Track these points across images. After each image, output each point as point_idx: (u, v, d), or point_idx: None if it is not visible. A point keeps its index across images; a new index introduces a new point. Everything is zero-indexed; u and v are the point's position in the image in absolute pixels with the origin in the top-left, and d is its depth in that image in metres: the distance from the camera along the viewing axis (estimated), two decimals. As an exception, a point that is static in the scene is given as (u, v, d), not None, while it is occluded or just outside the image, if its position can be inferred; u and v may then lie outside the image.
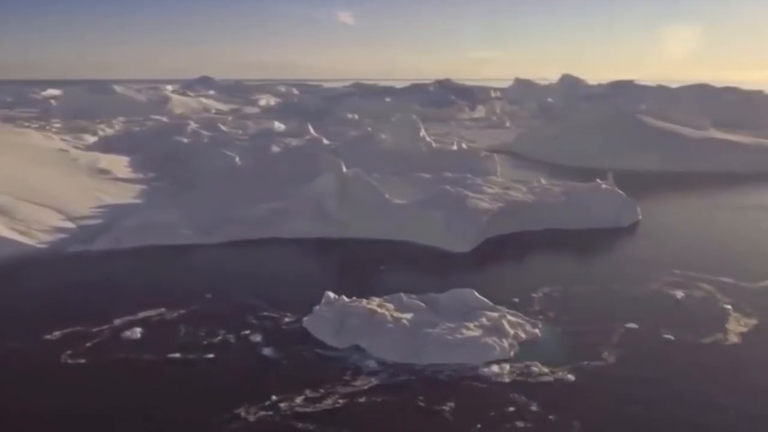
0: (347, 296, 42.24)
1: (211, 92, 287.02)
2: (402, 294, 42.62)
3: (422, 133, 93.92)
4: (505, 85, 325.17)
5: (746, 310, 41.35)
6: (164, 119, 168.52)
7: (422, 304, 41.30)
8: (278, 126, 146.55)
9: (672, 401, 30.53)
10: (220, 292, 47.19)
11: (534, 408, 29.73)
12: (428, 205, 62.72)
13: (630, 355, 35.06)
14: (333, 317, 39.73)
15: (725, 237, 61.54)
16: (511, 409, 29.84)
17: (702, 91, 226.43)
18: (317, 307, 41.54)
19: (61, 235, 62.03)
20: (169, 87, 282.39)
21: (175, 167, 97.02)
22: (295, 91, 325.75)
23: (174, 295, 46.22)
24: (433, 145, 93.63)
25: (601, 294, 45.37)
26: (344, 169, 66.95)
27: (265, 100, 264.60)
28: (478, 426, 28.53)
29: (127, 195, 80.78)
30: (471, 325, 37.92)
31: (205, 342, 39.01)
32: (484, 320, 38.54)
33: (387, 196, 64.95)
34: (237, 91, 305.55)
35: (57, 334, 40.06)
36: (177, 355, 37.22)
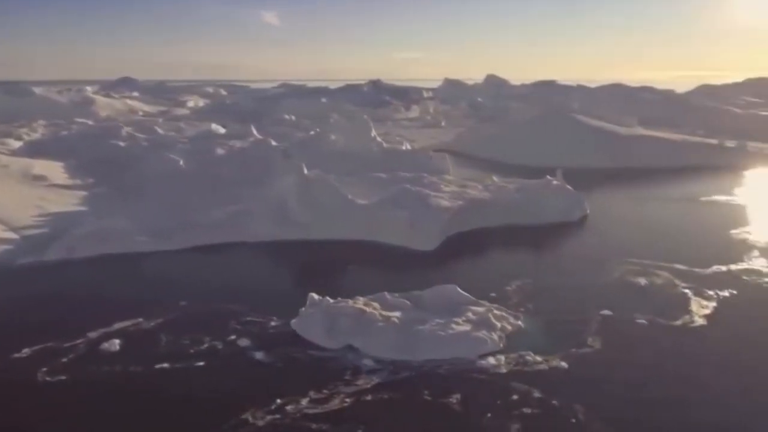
0: (326, 297, 42.31)
1: (135, 94, 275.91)
2: (386, 293, 43.15)
3: (373, 133, 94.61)
4: (433, 85, 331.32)
5: (705, 293, 44.69)
6: (90, 122, 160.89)
7: (407, 302, 42.01)
8: (216, 128, 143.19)
9: (661, 380, 32.88)
10: (195, 298, 46.03)
11: (536, 395, 31.08)
12: (391, 205, 63.49)
13: (612, 340, 37.20)
14: (322, 318, 39.72)
15: (667, 227, 65.81)
16: (515, 397, 31.08)
17: (619, 90, 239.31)
18: (303, 308, 41.43)
19: (6, 246, 58.32)
20: (89, 88, 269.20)
21: (114, 172, 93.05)
22: (223, 92, 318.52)
23: (146, 304, 44.68)
24: (384, 145, 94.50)
25: (571, 284, 47.65)
26: (305, 171, 66.63)
27: (194, 102, 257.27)
28: (488, 415, 29.56)
29: (69, 202, 76.84)
30: (459, 320, 39.00)
31: (191, 350, 38.04)
32: (470, 315, 39.72)
33: (349, 196, 65.20)
34: (162, 92, 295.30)
35: (27, 351, 37.90)
36: (165, 365, 36.12)
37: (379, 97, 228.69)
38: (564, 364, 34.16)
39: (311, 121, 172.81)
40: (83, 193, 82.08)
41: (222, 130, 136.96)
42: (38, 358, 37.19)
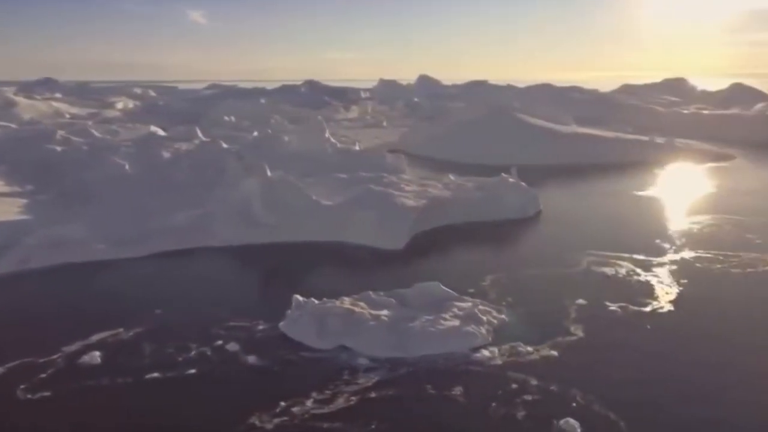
0: (311, 298, 42.40)
1: (58, 95, 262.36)
2: (371, 292, 43.66)
3: (327, 134, 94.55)
4: (367, 85, 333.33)
5: (665, 280, 47.82)
6: (13, 125, 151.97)
7: (393, 300, 42.65)
8: (155, 130, 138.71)
9: (647, 361, 35.25)
10: (170, 306, 44.93)
11: (534, 382, 32.51)
12: (357, 205, 63.92)
13: (592, 327, 39.30)
14: (311, 319, 39.80)
15: (618, 220, 69.55)
16: (514, 386, 32.39)
17: (548, 90, 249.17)
18: (290, 311, 41.34)
19: (-50, 260, 54.66)
20: (6, 89, 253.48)
21: (54, 178, 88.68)
22: (152, 93, 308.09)
23: (120, 314, 43.22)
24: (338, 146, 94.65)
25: (542, 277, 49.72)
26: (269, 173, 66.01)
27: (123, 104, 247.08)
28: (493, 404, 30.70)
29: (10, 211, 72.44)
30: (447, 315, 40.04)
31: (179, 358, 37.19)
32: (456, 310, 40.83)
33: (314, 197, 65.15)
34: (86, 93, 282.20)
35: None
36: (155, 374, 35.19)
37: (318, 97, 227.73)
38: (554, 353, 35.86)
39: (251, 122, 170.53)
40: (24, 200, 77.71)
41: (162, 133, 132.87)
42: (14, 375, 35.33)
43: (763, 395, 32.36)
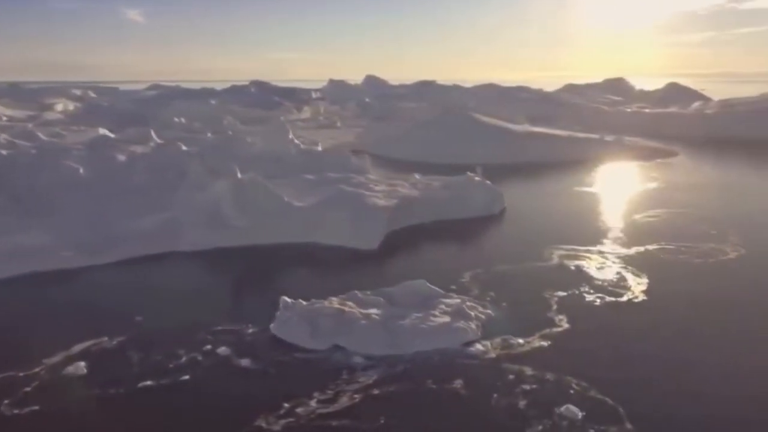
0: (299, 300, 42.41)
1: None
2: (357, 292, 44.02)
3: (290, 135, 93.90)
4: (315, 85, 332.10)
5: (635, 271, 50.18)
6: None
7: (380, 299, 43.11)
8: (105, 133, 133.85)
9: (631, 345, 37.34)
10: (150, 312, 43.90)
11: (530, 372, 33.70)
12: (329, 206, 64.01)
13: (576, 317, 40.93)
14: (302, 320, 39.81)
15: (579, 215, 72.21)
16: (511, 377, 33.48)
17: (495, 90, 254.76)
18: (279, 312, 41.22)
19: None
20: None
21: (2, 183, 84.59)
22: (92, 94, 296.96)
23: (100, 323, 41.96)
24: (301, 147, 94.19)
25: (518, 271, 51.25)
26: (239, 174, 65.25)
27: (63, 105, 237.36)
28: (495, 395, 31.65)
29: (-41, 219, 68.88)
30: (436, 312, 40.83)
31: (170, 365, 36.51)
32: (444, 307, 41.69)
33: (285, 199, 64.81)
34: (20, 95, 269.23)
35: (-22, 384, 34.47)
36: (147, 382, 34.45)
37: (268, 98, 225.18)
38: (544, 343, 37.23)
39: (202, 123, 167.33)
40: (-28, 208, 73.86)
41: (112, 135, 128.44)
42: (-4, 390, 33.96)
43: (737, 365, 35.09)
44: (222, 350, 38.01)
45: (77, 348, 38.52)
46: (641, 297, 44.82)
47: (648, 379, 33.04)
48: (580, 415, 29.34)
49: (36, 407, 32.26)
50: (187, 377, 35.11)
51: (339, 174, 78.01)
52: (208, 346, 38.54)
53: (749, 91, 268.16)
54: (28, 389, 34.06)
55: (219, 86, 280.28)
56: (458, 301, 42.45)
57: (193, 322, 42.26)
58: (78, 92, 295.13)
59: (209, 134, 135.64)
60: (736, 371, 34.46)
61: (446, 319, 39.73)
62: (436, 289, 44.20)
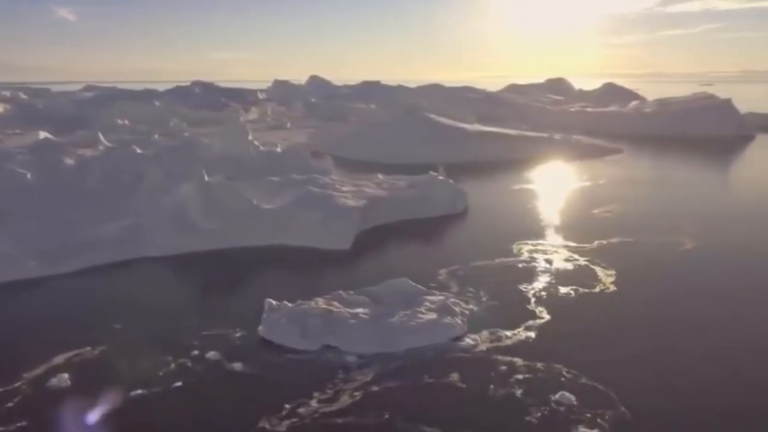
0: (284, 301, 42.45)
1: None
2: (341, 291, 44.40)
3: (250, 136, 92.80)
4: (258, 86, 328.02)
5: (602, 264, 52.56)
6: None
7: (365, 298, 43.63)
8: (47, 136, 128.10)
9: (613, 332, 39.31)
10: (128, 320, 42.85)
11: (521, 363, 35.03)
12: (300, 207, 63.91)
13: (555, 309, 42.67)
14: (291, 322, 39.87)
15: (541, 211, 74.80)
16: (504, 368, 34.69)
17: (440, 90, 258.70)
18: (264, 315, 41.10)
19: None
20: None
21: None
22: (23, 96, 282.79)
23: (76, 333, 40.73)
24: (261, 148, 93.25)
25: (491, 267, 52.75)
26: (206, 177, 64.22)
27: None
28: (491, 386, 32.76)
29: None
30: (422, 309, 41.66)
31: (160, 372, 35.85)
32: (429, 304, 42.57)
33: (255, 201, 64.28)
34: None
35: (-45, 402, 32.92)
36: (140, 391, 33.73)
37: (215, 99, 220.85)
38: (530, 334, 38.72)
39: (148, 125, 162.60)
40: None
41: (56, 139, 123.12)
42: (-25, 407, 32.51)
43: (716, 346, 37.72)
44: (211, 355, 37.58)
45: (58, 359, 37.26)
46: (612, 288, 47.10)
47: (632, 363, 35.01)
48: (575, 400, 30.80)
49: (22, 423, 31.11)
50: (179, 384, 34.59)
51: (303, 175, 77.82)
52: (196, 352, 38.01)
53: (679, 90, 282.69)
54: (11, 405, 32.75)
55: (158, 87, 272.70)
56: (442, 297, 43.45)
57: (175, 328, 41.61)
58: (8, 93, 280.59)
59: (156, 136, 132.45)
60: (716, 351, 36.93)
61: (433, 315, 40.63)
62: (419, 286, 45.09)
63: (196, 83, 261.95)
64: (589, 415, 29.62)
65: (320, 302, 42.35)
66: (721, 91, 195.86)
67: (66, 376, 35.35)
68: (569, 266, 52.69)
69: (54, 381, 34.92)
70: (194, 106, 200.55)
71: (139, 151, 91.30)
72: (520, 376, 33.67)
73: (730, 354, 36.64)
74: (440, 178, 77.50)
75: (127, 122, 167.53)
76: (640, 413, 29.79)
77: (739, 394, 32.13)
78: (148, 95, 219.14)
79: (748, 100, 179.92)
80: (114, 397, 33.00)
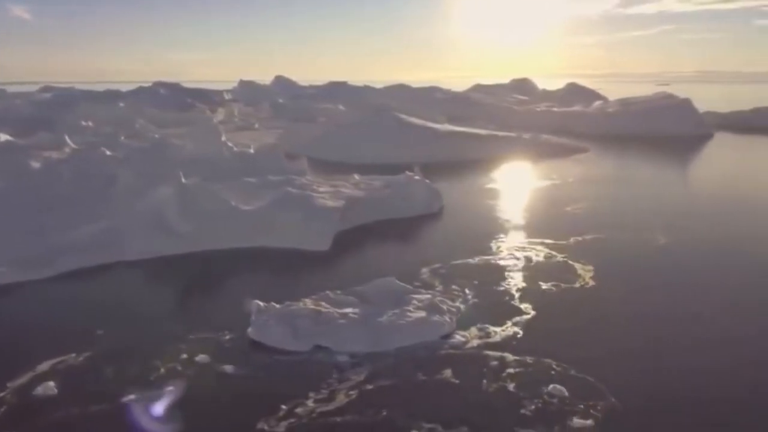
0: (271, 303, 42.38)
1: None
2: (328, 292, 44.56)
3: (223, 137, 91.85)
4: (222, 86, 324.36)
5: (579, 260, 53.92)
6: None
7: (353, 298, 43.88)
8: (6, 138, 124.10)
9: (596, 325, 40.37)
10: (110, 326, 42.07)
11: (511, 358, 35.83)
12: (279, 209, 63.69)
13: (539, 305, 43.66)
14: (280, 323, 39.83)
15: (514, 209, 76.14)
16: (495, 363, 35.45)
17: (407, 90, 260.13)
18: (252, 317, 40.98)
19: None
20: None
21: None
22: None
23: (58, 340, 39.86)
24: (234, 149, 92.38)
25: (473, 264, 53.62)
26: (183, 179, 63.42)
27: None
28: (484, 381, 33.46)
29: None
30: (410, 308, 42.12)
31: (151, 377, 35.42)
32: (417, 303, 43.06)
33: (233, 203, 63.79)
34: None
35: (-61, 413, 31.95)
36: (132, 396, 33.30)
37: (180, 99, 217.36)
38: (517, 330, 39.58)
39: (114, 127, 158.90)
40: None
41: (18, 141, 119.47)
42: (-40, 419, 31.64)
43: (700, 337, 39.17)
44: (202, 358, 37.29)
45: (42, 367, 36.43)
46: (592, 282, 48.44)
47: (618, 355, 36.17)
48: (566, 392, 31.70)
49: (12, 432, 30.45)
50: (170, 388, 34.20)
51: (279, 176, 77.52)
52: (185, 356, 37.65)
53: (638, 90, 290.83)
54: (-5, 415, 32.00)
55: (118, 87, 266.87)
56: (429, 296, 44.02)
57: (160, 332, 41.16)
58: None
59: (123, 138, 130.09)
60: (699, 342, 38.28)
61: (422, 314, 41.13)
62: (405, 285, 45.57)
63: (159, 84, 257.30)
64: (581, 407, 30.52)
65: (308, 303, 42.43)
66: (677, 91, 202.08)
67: (52, 384, 34.59)
68: (548, 262, 53.92)
69: (40, 390, 34.11)
70: (160, 107, 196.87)
71: (108, 153, 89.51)
72: (511, 371, 34.45)
73: (713, 344, 38.04)
74: (416, 178, 78.15)
75: (91, 124, 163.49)
76: (630, 403, 30.85)
77: (723, 382, 33.48)
78: (112, 96, 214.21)
79: (704, 100, 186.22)
80: (105, 404, 32.54)
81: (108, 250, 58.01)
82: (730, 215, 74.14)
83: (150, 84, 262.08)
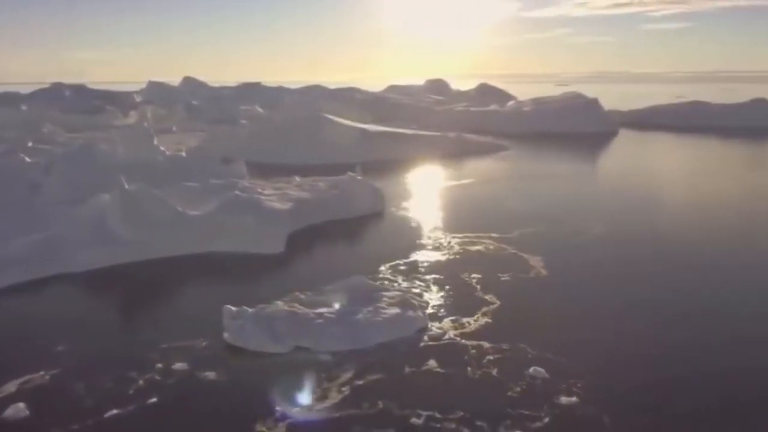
0: (243, 306, 42.08)
1: None
2: (298, 293, 44.76)
3: (155, 141, 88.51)
4: (128, 88, 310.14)
5: (529, 251, 56.98)
6: None
7: (324, 298, 44.28)
8: None
9: (560, 311, 43.08)
10: (72, 340, 40.10)
11: (488, 345, 37.75)
12: (229, 213, 62.64)
13: (503, 295, 45.84)
14: (256, 326, 39.69)
15: (455, 206, 79.03)
16: (473, 351, 37.23)
17: (323, 91, 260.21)
18: (226, 321, 40.53)
19: None
20: None
21: None
22: None
23: (20, 358, 37.77)
24: (167, 153, 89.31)
25: (430, 260, 55.37)
26: (126, 185, 60.94)
27: None
28: (468, 369, 35.13)
29: None
30: (383, 305, 43.14)
31: (129, 391, 34.21)
32: (388, 299, 44.15)
33: (180, 208, 62.09)
34: None
35: None
36: (113, 411, 32.05)
37: (88, 102, 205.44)
38: (488, 319, 41.63)
39: (18, 131, 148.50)
40: None
41: None
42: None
43: (649, 313, 42.74)
44: (179, 366, 36.43)
45: (8, 388, 34.35)
46: (545, 272, 51.51)
47: (586, 338, 38.92)
48: (547, 374, 33.97)
49: (-10, 458, 28.75)
50: (155, 399, 33.30)
51: (220, 180, 76.05)
52: (160, 365, 36.66)
53: (542, 90, 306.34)
54: (-34, 442, 30.05)
55: (7, 89, 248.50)
56: (399, 292, 45.24)
57: (127, 343, 39.90)
58: None
59: (30, 144, 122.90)
60: (654, 321, 41.69)
61: (396, 310, 42.28)
62: (373, 283, 46.58)
63: (60, 85, 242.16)
64: (564, 386, 32.83)
65: (281, 305, 42.47)
66: (579, 91, 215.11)
67: (22, 405, 32.64)
68: (499, 255, 56.70)
69: (10, 412, 32.15)
70: (67, 110, 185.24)
71: (28, 159, 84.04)
72: (491, 357, 36.36)
73: (665, 323, 41.61)
74: (359, 178, 79.16)
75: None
76: (608, 379, 33.58)
77: (692, 360, 36.65)
78: (11, 98, 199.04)
79: (603, 99, 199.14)
80: (86, 422, 31.27)
81: (49, 262, 54.79)
82: (649, 204, 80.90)
83: (48, 85, 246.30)
